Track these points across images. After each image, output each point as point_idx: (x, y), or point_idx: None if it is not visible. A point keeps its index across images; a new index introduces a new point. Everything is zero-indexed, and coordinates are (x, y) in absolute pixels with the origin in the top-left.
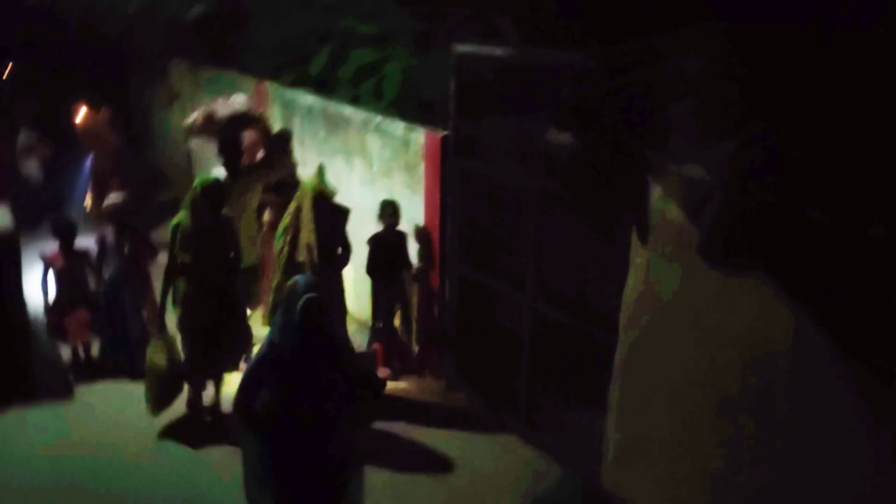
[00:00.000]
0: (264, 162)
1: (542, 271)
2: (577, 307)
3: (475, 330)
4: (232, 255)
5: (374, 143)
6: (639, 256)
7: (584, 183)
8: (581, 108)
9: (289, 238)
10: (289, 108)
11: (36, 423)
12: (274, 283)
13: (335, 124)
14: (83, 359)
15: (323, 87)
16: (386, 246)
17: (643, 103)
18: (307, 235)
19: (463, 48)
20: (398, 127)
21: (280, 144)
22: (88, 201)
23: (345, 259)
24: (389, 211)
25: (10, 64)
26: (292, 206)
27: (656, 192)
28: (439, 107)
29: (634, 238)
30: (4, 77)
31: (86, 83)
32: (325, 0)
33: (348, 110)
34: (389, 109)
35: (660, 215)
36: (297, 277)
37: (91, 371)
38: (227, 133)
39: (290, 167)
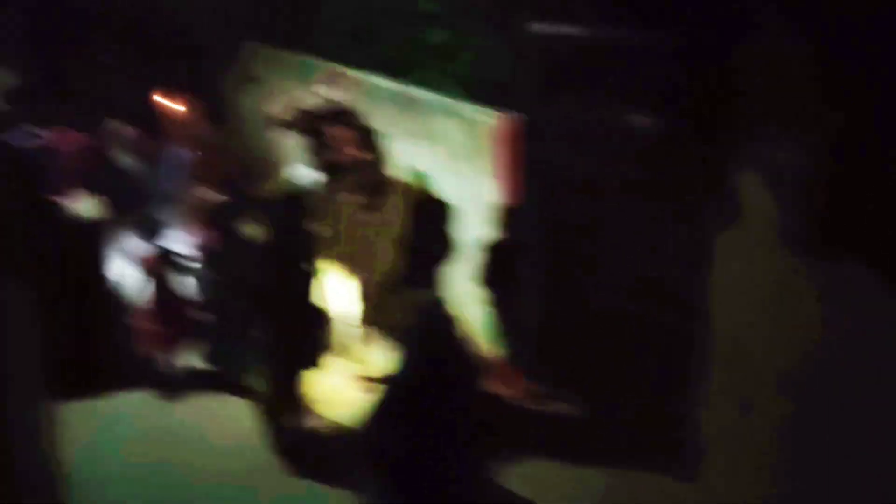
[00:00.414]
0: (356, 160)
1: (619, 258)
2: (656, 296)
3: (548, 318)
4: (307, 268)
5: (444, 125)
6: (725, 244)
7: (667, 168)
8: (666, 90)
9: (384, 241)
10: (359, 89)
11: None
12: (374, 293)
13: (405, 106)
14: (173, 367)
15: (394, 68)
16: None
17: (734, 85)
18: (400, 234)
19: (539, 28)
20: (470, 109)
21: (374, 141)
22: (185, 196)
23: (440, 257)
24: None
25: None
26: (388, 201)
27: (745, 179)
28: (513, 89)
29: (721, 225)
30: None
31: (164, 68)
32: None
33: (419, 92)
34: (461, 91)
35: (748, 202)
36: (428, 298)
37: (182, 380)
38: (316, 128)
39: (385, 166)
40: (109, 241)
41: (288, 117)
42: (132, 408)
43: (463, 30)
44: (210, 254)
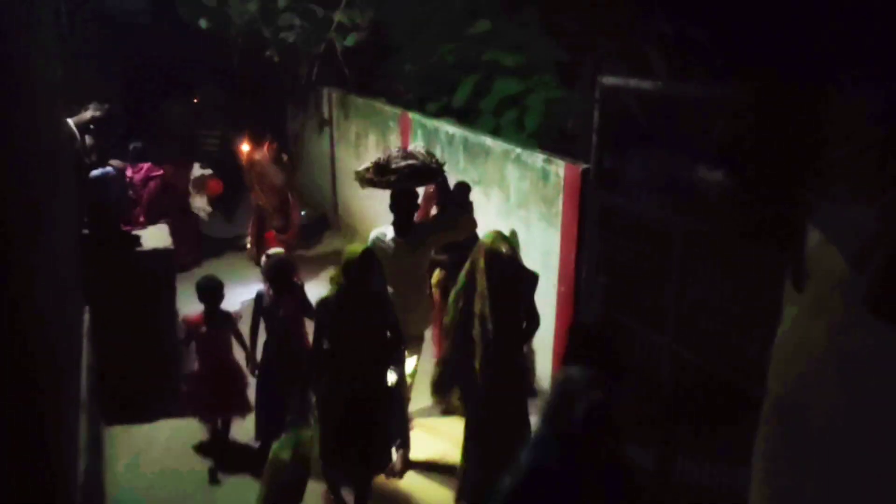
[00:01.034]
0: (441, 218)
1: (685, 313)
2: (721, 353)
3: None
4: (387, 334)
5: (512, 174)
6: (792, 305)
7: (735, 223)
8: (736, 144)
9: (461, 306)
10: (431, 137)
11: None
12: (442, 356)
13: (475, 154)
14: (222, 439)
15: (465, 117)
16: None
17: (805, 142)
18: (481, 303)
19: (609, 80)
20: (538, 158)
21: (460, 197)
22: (248, 243)
23: (528, 333)
24: None
25: (200, 91)
26: (466, 267)
27: (815, 237)
28: (581, 139)
29: (788, 285)
30: (195, 101)
31: (250, 113)
32: (472, 32)
33: (489, 141)
34: (530, 141)
35: (818, 262)
36: (570, 371)
37: (229, 454)
38: (402, 186)
39: (471, 225)
40: (174, 266)
41: (373, 175)
42: (175, 433)
43: (534, 81)
44: (268, 316)
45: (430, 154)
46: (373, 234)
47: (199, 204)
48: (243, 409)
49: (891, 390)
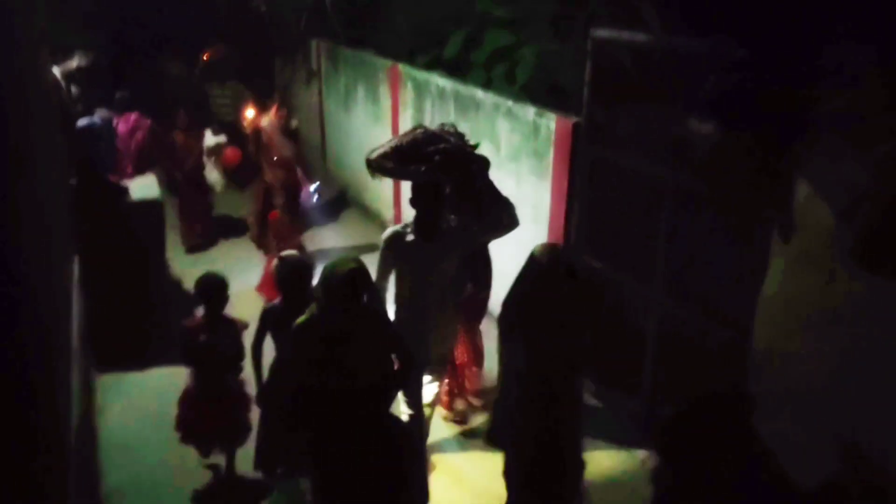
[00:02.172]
0: (481, 219)
1: (672, 266)
2: (708, 305)
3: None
4: (391, 361)
5: (503, 127)
6: (779, 257)
7: (724, 177)
8: (728, 98)
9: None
10: (421, 90)
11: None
12: (496, 400)
13: (466, 107)
14: (223, 470)
15: (456, 69)
16: None
17: (797, 97)
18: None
19: (601, 33)
20: (529, 112)
21: (482, 180)
22: (251, 220)
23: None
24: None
25: (210, 49)
26: (518, 293)
27: (803, 190)
28: (572, 93)
29: (775, 237)
30: (205, 59)
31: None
32: None
33: (480, 94)
34: (521, 94)
35: (805, 215)
36: None
37: (233, 488)
38: (433, 178)
39: (514, 225)
40: (163, 216)
41: (391, 163)
42: (165, 382)
43: (526, 34)
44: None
45: (460, 134)
46: (387, 233)
47: (214, 177)
48: (245, 435)
49: (875, 340)
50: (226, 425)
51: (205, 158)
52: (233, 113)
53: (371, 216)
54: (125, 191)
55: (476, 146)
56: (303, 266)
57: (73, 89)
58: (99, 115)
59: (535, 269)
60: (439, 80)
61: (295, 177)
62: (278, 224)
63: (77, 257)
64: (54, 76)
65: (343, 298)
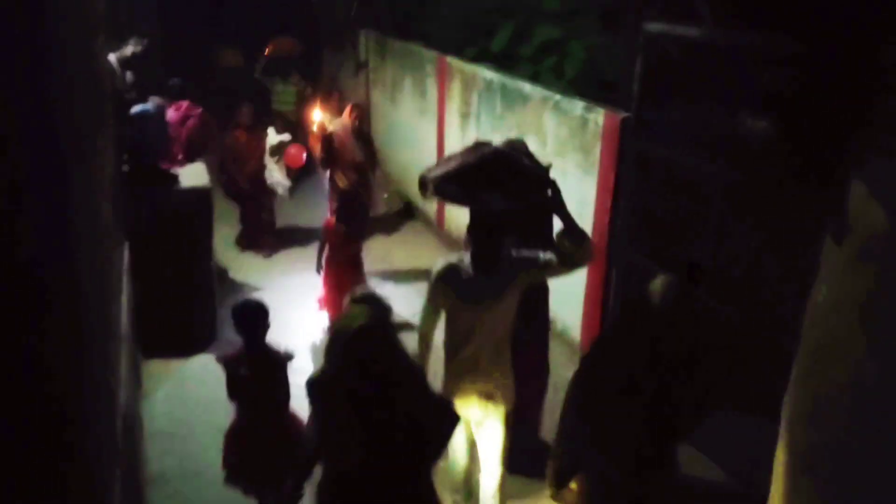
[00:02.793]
0: (544, 246)
1: (721, 265)
2: (756, 306)
3: None
4: (425, 439)
5: (550, 121)
6: (831, 258)
7: (776, 175)
8: (783, 94)
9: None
10: (468, 82)
11: (208, 369)
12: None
13: (513, 100)
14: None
15: (504, 62)
16: None
17: (855, 94)
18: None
19: (652, 27)
20: (577, 106)
21: (565, 220)
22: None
23: None
24: None
25: (273, 42)
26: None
27: (859, 191)
28: (621, 87)
29: (828, 238)
30: (268, 53)
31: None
32: None
33: (527, 87)
34: (569, 88)
35: (860, 216)
36: None
37: None
38: (504, 206)
39: (591, 255)
40: (211, 203)
41: (456, 187)
42: (210, 370)
43: (575, 26)
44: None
45: (530, 153)
46: (438, 267)
47: (277, 178)
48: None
49: None
50: (271, 467)
51: (266, 158)
52: (297, 111)
53: (430, 227)
54: (175, 178)
55: (549, 167)
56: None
57: (128, 76)
58: (152, 103)
59: (657, 313)
60: (486, 73)
61: (368, 183)
62: (332, 233)
63: (128, 243)
64: (110, 63)
65: (363, 353)
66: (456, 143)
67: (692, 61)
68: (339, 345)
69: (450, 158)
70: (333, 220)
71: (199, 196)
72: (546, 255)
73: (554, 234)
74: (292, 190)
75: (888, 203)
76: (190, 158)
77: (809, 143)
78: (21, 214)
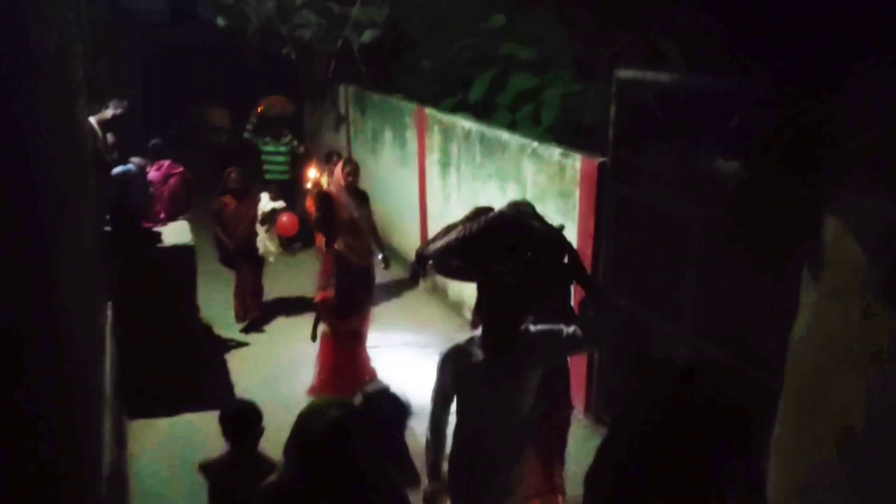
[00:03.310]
0: (563, 319)
1: (702, 305)
2: (739, 345)
3: (626, 363)
4: None
5: (529, 168)
6: (809, 295)
7: (752, 214)
8: (753, 136)
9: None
10: (447, 132)
11: (203, 428)
12: None
13: (492, 149)
14: None
15: (482, 112)
16: None
17: (822, 133)
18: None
19: (625, 73)
20: (554, 152)
21: (589, 288)
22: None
23: None
24: None
25: (264, 101)
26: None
27: (832, 227)
28: (598, 133)
29: (805, 275)
30: (260, 112)
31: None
32: (487, 26)
33: (505, 135)
34: (547, 135)
35: (835, 252)
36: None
37: None
38: (519, 281)
39: (615, 326)
40: (195, 261)
41: (460, 258)
42: (198, 429)
43: (551, 75)
44: None
45: (539, 215)
46: (445, 352)
47: (268, 247)
48: None
49: None
50: None
51: (258, 227)
52: (290, 172)
53: (437, 292)
54: (158, 236)
55: (562, 228)
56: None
57: (109, 137)
58: (133, 163)
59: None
60: (465, 123)
61: (366, 245)
62: (329, 308)
63: (111, 303)
64: (90, 125)
65: (325, 454)
66: (437, 192)
67: (665, 105)
68: (313, 434)
69: (449, 229)
70: (331, 293)
71: (182, 253)
72: (568, 329)
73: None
74: (286, 255)
75: (862, 238)
76: (172, 217)
77: (782, 181)
78: (0, 278)
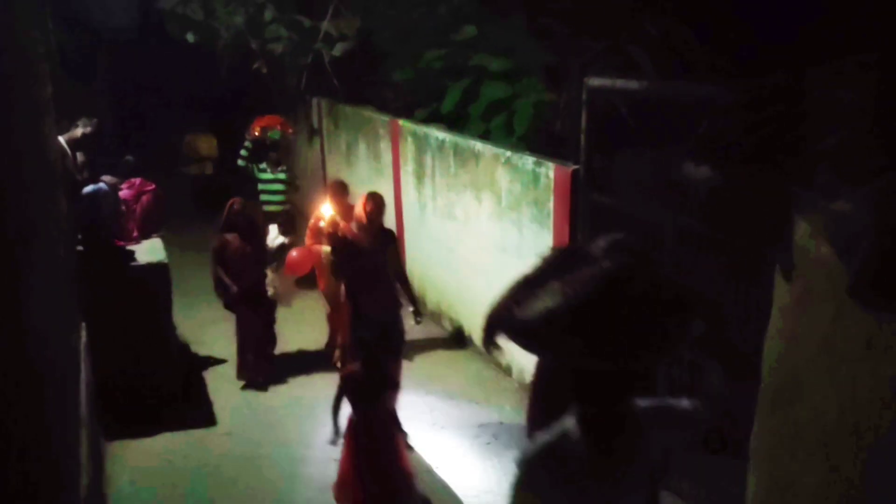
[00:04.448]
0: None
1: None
2: (714, 348)
3: None
4: None
5: (503, 177)
6: (783, 297)
7: (723, 218)
8: (722, 141)
9: None
10: (421, 143)
11: (174, 447)
12: None
13: (465, 159)
14: None
15: (455, 122)
16: None
17: (790, 136)
18: None
19: (596, 81)
20: (528, 161)
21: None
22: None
23: None
24: None
25: (261, 120)
26: None
27: (802, 229)
28: (570, 141)
29: (778, 277)
30: (255, 136)
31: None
32: (458, 37)
33: (479, 145)
34: (519, 144)
35: (806, 254)
36: None
37: None
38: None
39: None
40: (170, 277)
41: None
42: (176, 448)
43: (522, 84)
44: None
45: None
46: (528, 450)
47: (280, 288)
48: None
49: (880, 380)
50: None
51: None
52: (287, 203)
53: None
54: (131, 255)
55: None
56: None
57: (79, 157)
58: (104, 181)
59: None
60: (439, 134)
61: (391, 295)
62: (358, 384)
63: (84, 323)
64: (60, 144)
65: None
66: (413, 202)
67: (635, 112)
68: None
69: (530, 283)
70: (359, 365)
71: (157, 271)
72: (682, 404)
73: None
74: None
75: (832, 239)
76: (145, 235)
77: (751, 185)
78: None
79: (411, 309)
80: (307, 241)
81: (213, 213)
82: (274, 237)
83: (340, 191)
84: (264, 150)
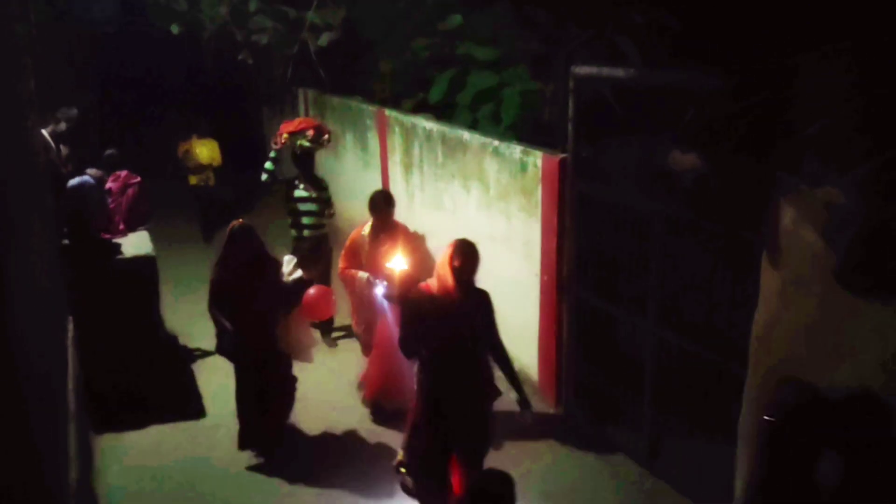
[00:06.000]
0: None
1: (666, 296)
2: (703, 334)
3: (594, 356)
4: None
5: (491, 166)
6: (770, 282)
7: (711, 205)
8: (708, 128)
9: None
10: (408, 133)
11: (163, 440)
12: None
13: (453, 148)
14: None
15: (442, 112)
16: None
17: (775, 124)
18: None
19: (582, 70)
20: (515, 150)
21: None
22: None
23: None
24: None
25: (296, 122)
26: None
27: (788, 215)
28: (557, 130)
29: (765, 263)
30: (281, 144)
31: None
32: (444, 27)
33: (466, 135)
34: (507, 133)
35: (792, 239)
36: None
37: None
38: None
39: None
40: (156, 270)
41: None
42: (166, 441)
43: (509, 73)
44: None
45: None
46: None
47: (300, 335)
48: None
49: (866, 363)
50: None
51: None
52: (321, 227)
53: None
54: (118, 248)
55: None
56: None
57: (63, 149)
58: (89, 174)
59: None
60: (426, 124)
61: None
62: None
63: (72, 317)
64: (44, 137)
65: None
66: (401, 193)
67: (622, 100)
68: None
69: None
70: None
71: (144, 264)
72: None
73: None
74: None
75: (818, 225)
76: (132, 227)
77: (738, 171)
78: None
79: (514, 396)
80: (340, 263)
81: (219, 232)
82: (289, 270)
83: (385, 207)
84: (298, 162)
